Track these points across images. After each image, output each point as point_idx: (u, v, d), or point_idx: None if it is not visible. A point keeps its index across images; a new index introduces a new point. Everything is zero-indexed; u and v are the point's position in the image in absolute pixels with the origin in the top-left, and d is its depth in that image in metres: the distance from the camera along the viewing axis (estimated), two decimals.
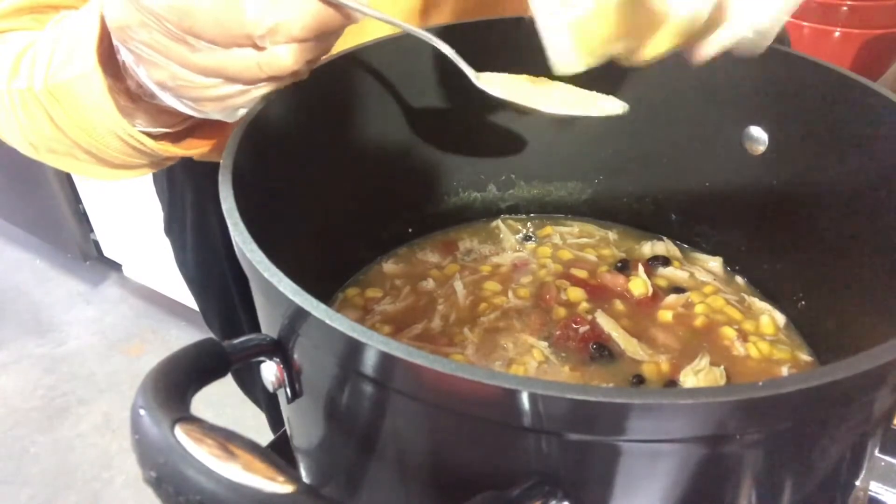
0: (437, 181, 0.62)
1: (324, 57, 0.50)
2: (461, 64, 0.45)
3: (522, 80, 0.47)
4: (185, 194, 0.80)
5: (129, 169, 0.52)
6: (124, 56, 0.41)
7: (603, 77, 0.57)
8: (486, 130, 0.60)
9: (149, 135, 0.47)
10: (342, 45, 0.50)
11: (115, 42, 0.41)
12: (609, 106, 0.47)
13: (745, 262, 0.59)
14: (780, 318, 0.55)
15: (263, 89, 0.41)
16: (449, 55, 0.44)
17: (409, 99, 0.55)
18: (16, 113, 0.48)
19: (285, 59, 0.37)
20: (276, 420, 0.92)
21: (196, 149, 0.51)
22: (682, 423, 0.26)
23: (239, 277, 0.69)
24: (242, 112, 0.43)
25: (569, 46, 0.40)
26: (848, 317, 0.49)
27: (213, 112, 0.43)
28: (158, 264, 1.79)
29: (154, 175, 0.84)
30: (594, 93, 0.48)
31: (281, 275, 0.31)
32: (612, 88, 0.58)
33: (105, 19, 0.41)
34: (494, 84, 0.45)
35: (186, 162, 0.68)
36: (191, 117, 0.47)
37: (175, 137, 0.50)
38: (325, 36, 0.39)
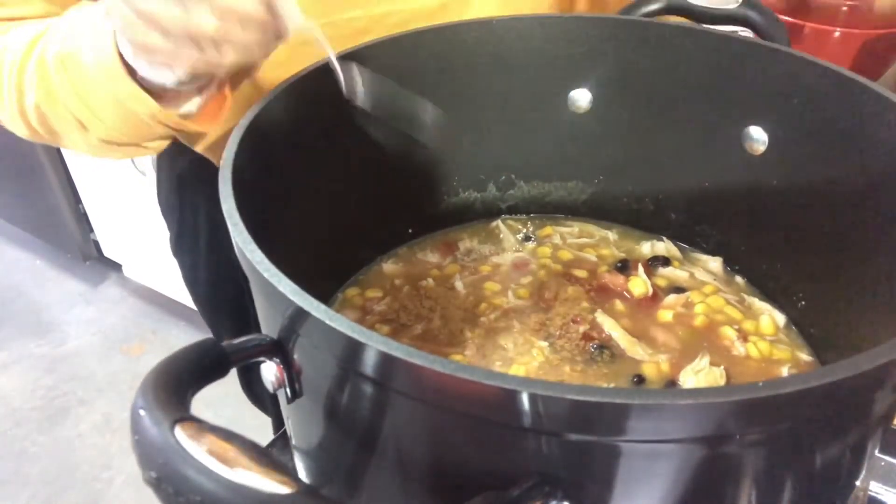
0: (437, 181, 0.62)
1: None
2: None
3: None
4: (199, 207, 0.79)
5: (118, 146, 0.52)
6: None
7: (604, 78, 0.58)
8: (485, 130, 0.60)
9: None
10: (341, 45, 0.51)
11: None
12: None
13: (745, 262, 0.59)
14: (780, 318, 0.55)
15: (195, 59, 0.41)
16: None
17: None
18: (21, 87, 0.49)
19: (206, 20, 0.39)
20: (281, 424, 0.91)
21: (198, 122, 0.51)
22: (682, 424, 0.26)
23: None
24: (178, 76, 0.43)
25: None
26: (848, 316, 0.49)
27: (158, 68, 0.44)
28: (158, 264, 1.79)
29: (160, 195, 0.83)
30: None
31: (281, 275, 0.31)
32: (614, 89, 0.58)
33: None
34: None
35: (199, 173, 0.68)
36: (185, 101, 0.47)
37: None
38: (247, 24, 0.41)
